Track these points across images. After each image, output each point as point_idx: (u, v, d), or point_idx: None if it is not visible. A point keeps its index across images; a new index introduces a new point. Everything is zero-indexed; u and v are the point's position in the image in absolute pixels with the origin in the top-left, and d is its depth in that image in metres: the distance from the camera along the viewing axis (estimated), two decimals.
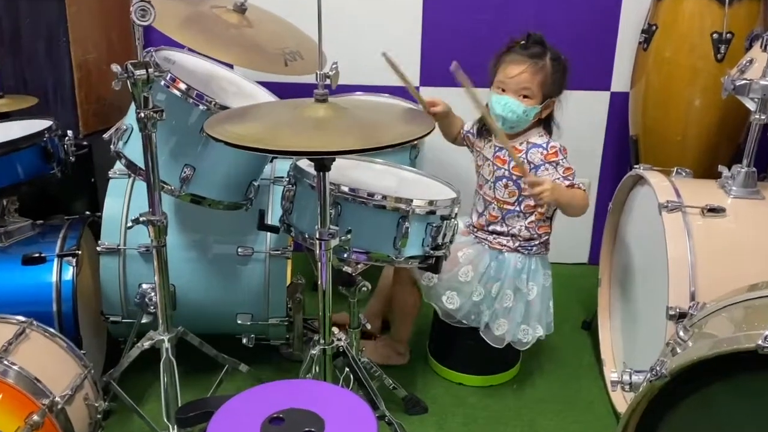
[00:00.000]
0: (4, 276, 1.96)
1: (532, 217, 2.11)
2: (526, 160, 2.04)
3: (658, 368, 1.40)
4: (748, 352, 1.28)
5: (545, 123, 2.12)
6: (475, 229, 2.19)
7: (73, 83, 2.38)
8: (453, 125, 2.23)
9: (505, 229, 2.12)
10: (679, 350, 1.45)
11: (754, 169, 1.91)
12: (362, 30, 2.67)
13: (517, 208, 2.10)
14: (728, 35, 2.28)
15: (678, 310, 1.71)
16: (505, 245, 2.12)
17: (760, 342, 1.26)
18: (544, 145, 2.06)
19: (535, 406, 2.17)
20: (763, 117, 1.85)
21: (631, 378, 1.55)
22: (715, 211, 1.84)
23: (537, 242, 2.13)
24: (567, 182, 2.02)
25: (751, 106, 1.90)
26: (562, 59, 2.05)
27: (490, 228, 2.14)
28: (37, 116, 2.15)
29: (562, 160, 2.04)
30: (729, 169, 1.95)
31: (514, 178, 2.06)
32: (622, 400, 2.07)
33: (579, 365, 2.36)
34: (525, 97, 2.01)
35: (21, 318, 1.76)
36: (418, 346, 2.36)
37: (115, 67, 1.63)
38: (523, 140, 2.08)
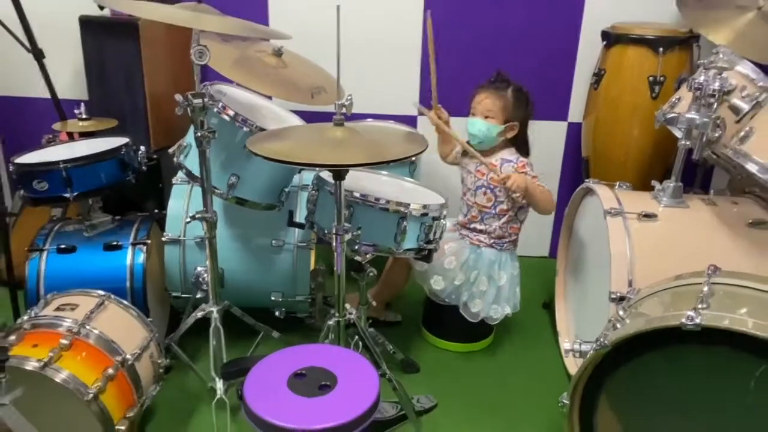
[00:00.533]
0: (88, 259, 1.96)
1: (505, 218, 2.10)
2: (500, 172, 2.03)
3: (602, 340, 1.39)
4: (673, 328, 1.27)
5: (518, 145, 2.11)
6: (460, 227, 2.18)
7: (146, 109, 2.39)
8: (449, 142, 2.22)
9: (483, 227, 2.11)
10: (618, 326, 1.44)
11: (681, 183, 1.89)
12: (372, 70, 2.66)
13: (493, 211, 2.09)
14: (661, 78, 2.27)
15: (618, 294, 1.70)
16: (482, 241, 2.11)
17: (683, 320, 1.25)
18: (515, 161, 2.07)
19: (505, 368, 2.16)
20: (687, 143, 1.83)
21: (580, 347, 1.54)
22: (649, 216, 1.82)
23: (508, 240, 2.13)
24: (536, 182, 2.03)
25: (678, 134, 1.89)
26: (523, 91, 2.06)
27: (472, 226, 2.13)
28: (117, 135, 2.15)
29: (529, 171, 2.05)
30: (660, 183, 1.94)
31: (492, 186, 2.06)
32: (573, 365, 2.05)
33: (540, 337, 2.34)
34: (488, 117, 2.02)
35: (101, 292, 1.77)
36: (414, 320, 2.35)
37: (178, 97, 1.64)
38: (498, 157, 2.08)
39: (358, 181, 1.81)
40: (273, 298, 2.11)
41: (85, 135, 2.28)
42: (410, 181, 2.09)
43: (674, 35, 2.29)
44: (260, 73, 1.95)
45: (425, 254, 1.81)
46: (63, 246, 1.96)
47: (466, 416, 1.91)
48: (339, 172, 1.50)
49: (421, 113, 1.88)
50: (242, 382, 1.28)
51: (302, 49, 2.17)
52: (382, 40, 2.66)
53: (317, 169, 1.83)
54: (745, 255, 1.74)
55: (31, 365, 1.44)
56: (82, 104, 2.27)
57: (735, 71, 1.82)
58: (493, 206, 2.09)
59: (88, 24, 2.34)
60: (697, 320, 1.24)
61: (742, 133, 1.68)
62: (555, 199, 2.10)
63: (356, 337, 1.77)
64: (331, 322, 1.69)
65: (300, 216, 2.05)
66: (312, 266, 2.14)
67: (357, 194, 1.70)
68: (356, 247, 1.71)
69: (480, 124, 2.03)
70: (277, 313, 2.13)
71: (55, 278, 1.91)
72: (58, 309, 1.68)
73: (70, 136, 2.36)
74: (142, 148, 2.11)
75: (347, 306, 1.70)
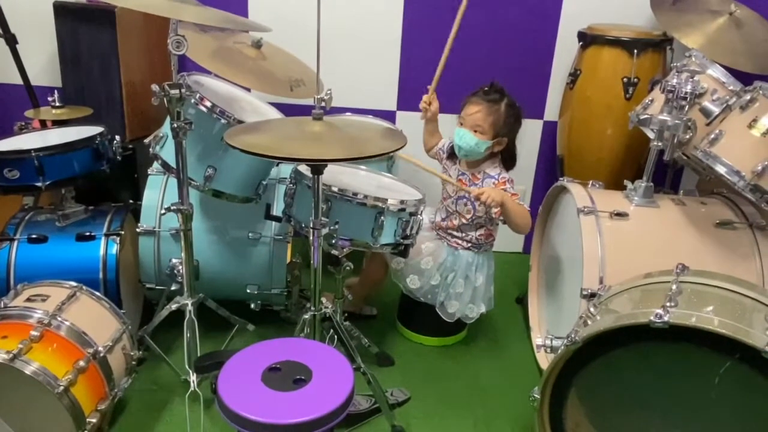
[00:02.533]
0: (61, 249, 1.92)
1: (482, 230, 2.09)
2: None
3: (573, 336, 1.40)
4: (642, 325, 1.29)
5: (503, 157, 2.07)
6: (438, 228, 2.17)
7: (122, 98, 2.34)
8: (434, 135, 2.20)
9: (460, 235, 2.11)
10: (589, 322, 1.46)
11: (652, 183, 1.92)
12: (352, 64, 2.65)
13: (471, 222, 2.08)
14: (635, 80, 2.30)
15: (590, 291, 1.72)
16: (460, 244, 2.11)
17: (651, 318, 1.27)
18: (496, 176, 2.03)
19: (478, 362, 2.17)
20: (659, 144, 1.86)
21: (552, 343, 1.56)
22: (620, 215, 1.85)
23: (485, 244, 2.13)
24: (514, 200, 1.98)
25: (650, 135, 1.92)
26: (516, 107, 2.00)
27: (449, 232, 2.13)
28: (91, 124, 2.10)
29: (509, 188, 2.00)
30: (632, 183, 1.97)
31: (472, 199, 2.01)
32: (545, 360, 2.08)
33: (513, 331, 2.36)
34: (477, 132, 1.98)
35: (73, 283, 1.73)
36: (389, 314, 2.35)
37: (155, 87, 1.61)
38: (480, 170, 2.05)
39: (336, 176, 1.80)
40: (249, 291, 2.09)
41: (59, 123, 2.23)
42: (388, 176, 2.09)
43: (648, 38, 2.32)
44: (239, 65, 1.93)
45: (402, 249, 1.81)
46: (34, 236, 1.91)
47: (438, 409, 1.92)
48: (317, 166, 1.49)
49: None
50: (216, 375, 1.27)
51: (282, 42, 2.14)
52: (362, 33, 2.64)
53: (295, 163, 1.81)
54: (712, 254, 1.78)
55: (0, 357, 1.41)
56: (56, 92, 2.22)
57: (707, 75, 1.86)
58: (472, 219, 2.07)
59: (62, 10, 2.28)
60: (666, 318, 1.26)
61: (712, 136, 1.72)
62: (531, 221, 2.02)
63: (331, 330, 1.77)
64: (306, 316, 1.68)
65: (277, 209, 2.03)
66: (288, 259, 2.12)
67: (335, 189, 1.69)
68: (333, 242, 1.70)
69: (468, 138, 1.97)
70: (252, 306, 2.11)
71: (25, 268, 1.87)
72: (28, 300, 1.64)
73: (43, 124, 2.31)
74: (117, 137, 2.06)
75: (323, 300, 1.69)
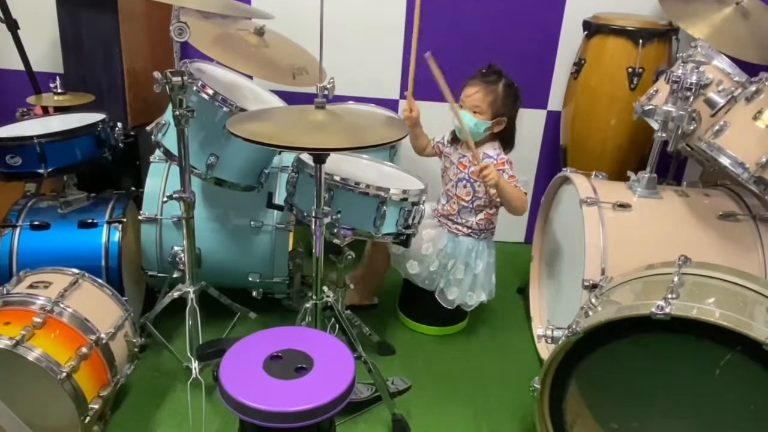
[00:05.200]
0: (63, 237, 1.92)
1: (482, 215, 2.10)
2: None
3: (574, 326, 1.41)
4: (643, 316, 1.29)
5: (502, 138, 2.08)
6: (439, 215, 2.18)
7: (124, 85, 2.32)
8: (420, 138, 2.20)
9: (460, 221, 2.11)
10: (591, 313, 1.46)
11: (655, 174, 1.92)
12: (354, 52, 2.63)
13: (470, 206, 2.09)
14: (640, 70, 2.28)
15: (591, 281, 1.72)
16: (460, 230, 2.11)
17: (653, 309, 1.27)
18: (495, 157, 2.03)
19: (478, 352, 2.18)
20: (663, 135, 1.85)
21: (553, 333, 1.56)
22: (623, 206, 1.84)
23: (486, 230, 2.13)
24: (511, 182, 2.00)
25: (655, 126, 1.90)
26: (514, 86, 2.02)
27: (450, 218, 2.13)
28: (93, 110, 2.09)
29: (507, 169, 2.02)
30: (636, 174, 1.96)
31: (472, 180, 2.05)
32: (545, 350, 2.08)
33: (513, 322, 2.36)
34: (476, 113, 1.99)
35: (75, 270, 1.74)
36: (390, 303, 2.35)
37: (157, 74, 1.60)
38: (480, 151, 2.05)
39: (338, 165, 1.79)
40: (250, 279, 2.09)
41: (61, 110, 2.22)
42: (390, 165, 2.08)
43: (654, 27, 2.30)
44: (241, 52, 1.91)
45: (404, 239, 1.81)
46: (36, 222, 1.92)
47: (439, 398, 1.92)
48: (319, 155, 1.48)
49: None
50: (218, 363, 1.27)
51: (284, 29, 2.13)
52: (365, 22, 2.62)
53: (297, 151, 1.80)
54: (715, 246, 1.77)
55: (2, 343, 1.41)
56: (58, 78, 2.20)
57: (712, 65, 1.84)
58: (471, 201, 2.08)
59: None
60: (667, 310, 1.26)
61: (717, 127, 1.70)
62: (528, 203, 2.04)
63: (333, 319, 1.77)
64: (308, 305, 1.68)
65: (279, 198, 2.03)
66: (290, 248, 2.12)
67: (337, 178, 1.69)
68: (335, 231, 1.70)
69: (468, 118, 1.98)
70: (254, 294, 2.11)
71: (28, 255, 1.87)
72: (31, 287, 1.64)
73: (45, 111, 2.30)
74: (119, 124, 2.06)
75: (324, 289, 1.69)
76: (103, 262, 1.90)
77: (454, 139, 2.14)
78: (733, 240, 1.78)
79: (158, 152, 2.01)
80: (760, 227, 1.80)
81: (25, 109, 2.31)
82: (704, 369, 1.33)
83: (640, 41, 2.25)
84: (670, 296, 1.31)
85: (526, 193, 2.03)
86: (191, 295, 1.82)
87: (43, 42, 2.56)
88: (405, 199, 1.75)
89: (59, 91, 2.18)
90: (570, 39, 2.56)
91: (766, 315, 1.28)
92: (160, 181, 2.06)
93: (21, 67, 2.38)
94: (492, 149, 2.06)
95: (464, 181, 2.08)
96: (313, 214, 1.55)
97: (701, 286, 1.42)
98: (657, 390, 1.43)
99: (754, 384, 1.29)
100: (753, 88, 1.69)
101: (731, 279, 1.44)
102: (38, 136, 1.82)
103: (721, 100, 1.75)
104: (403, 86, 2.69)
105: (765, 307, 1.33)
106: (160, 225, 2.03)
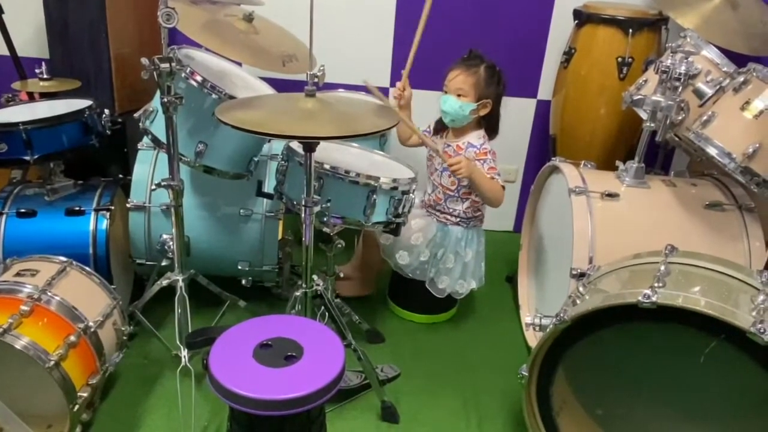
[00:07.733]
0: (50, 224, 1.90)
1: (468, 203, 2.10)
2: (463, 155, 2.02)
3: (561, 315, 1.42)
4: (630, 305, 1.30)
5: (488, 125, 2.08)
6: (426, 205, 2.18)
7: (111, 71, 2.30)
8: (408, 125, 2.19)
9: (447, 209, 2.11)
10: (578, 302, 1.47)
11: (643, 164, 1.93)
12: (345, 40, 2.62)
13: (456, 194, 2.09)
14: (630, 59, 2.29)
15: (579, 270, 1.74)
16: (449, 220, 2.12)
17: (639, 298, 1.29)
18: (478, 146, 2.04)
19: (467, 340, 2.19)
20: (652, 125, 1.86)
21: (540, 321, 1.57)
22: (611, 196, 1.85)
23: (473, 219, 2.14)
24: (488, 175, 1.99)
25: (643, 116, 1.91)
26: (496, 69, 2.02)
27: (437, 207, 2.14)
28: (80, 96, 2.07)
29: (489, 160, 2.02)
30: (624, 163, 1.97)
31: (446, 165, 2.02)
32: (533, 338, 2.10)
33: (502, 310, 2.38)
34: (460, 96, 1.99)
35: (63, 258, 1.72)
36: (379, 291, 2.36)
37: (145, 60, 1.58)
38: (465, 140, 2.06)
39: (328, 153, 1.78)
40: (240, 267, 2.09)
41: (47, 95, 2.19)
42: (381, 154, 2.07)
43: (644, 17, 2.30)
44: (230, 39, 1.89)
45: (393, 228, 1.81)
46: (23, 210, 1.89)
47: (428, 385, 1.94)
48: (309, 143, 1.48)
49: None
50: (207, 351, 1.27)
51: (274, 16, 2.11)
52: (356, 9, 2.60)
53: (287, 140, 1.79)
54: (701, 235, 1.79)
55: None
56: (43, 63, 2.17)
57: (701, 56, 1.85)
58: (457, 190, 2.08)
59: None
60: (653, 298, 1.27)
61: (705, 117, 1.72)
62: (502, 197, 2.02)
63: (322, 307, 1.77)
64: (297, 293, 1.68)
65: (269, 186, 2.02)
66: (280, 236, 2.12)
67: (327, 166, 1.68)
68: (325, 219, 1.70)
69: (452, 101, 2.00)
70: (243, 282, 2.11)
71: (14, 243, 1.85)
72: (18, 275, 1.63)
73: (31, 96, 2.27)
74: (107, 111, 2.03)
75: (314, 277, 1.69)
76: (90, 250, 1.89)
77: (439, 129, 2.14)
78: (719, 229, 1.80)
79: (146, 139, 1.98)
80: (745, 217, 1.82)
81: (10, 95, 2.28)
82: (689, 356, 1.34)
83: (630, 31, 2.25)
84: (656, 285, 1.32)
85: (503, 187, 2.02)
86: (180, 284, 1.81)
87: (28, 26, 2.52)
88: (395, 188, 1.75)
89: (45, 76, 2.16)
90: (560, 28, 2.56)
91: (750, 303, 1.30)
92: (148, 168, 2.04)
93: (6, 52, 2.34)
94: (476, 138, 2.06)
95: (448, 171, 2.07)
96: (303, 203, 1.54)
97: (687, 275, 1.44)
98: (643, 377, 1.45)
99: (738, 371, 1.31)
100: (741, 78, 1.70)
101: (716, 268, 1.45)
102: (24, 123, 1.79)
103: (709, 91, 1.76)
104: (394, 74, 2.68)
105: (749, 295, 1.34)
106: (148, 213, 2.02)
